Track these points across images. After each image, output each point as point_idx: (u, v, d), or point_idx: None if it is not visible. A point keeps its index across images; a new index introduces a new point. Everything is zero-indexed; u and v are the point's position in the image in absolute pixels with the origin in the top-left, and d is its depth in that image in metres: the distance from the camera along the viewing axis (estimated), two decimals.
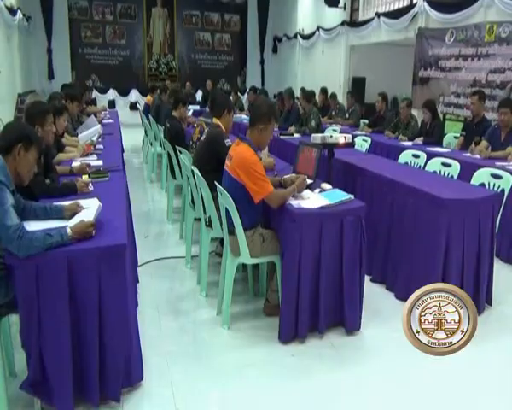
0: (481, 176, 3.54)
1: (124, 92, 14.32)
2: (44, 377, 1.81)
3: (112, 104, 13.35)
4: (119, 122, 7.07)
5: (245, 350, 2.50)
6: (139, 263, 3.34)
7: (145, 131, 7.58)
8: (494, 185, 3.45)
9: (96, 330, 1.86)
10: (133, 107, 13.62)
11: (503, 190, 3.33)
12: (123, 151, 5.86)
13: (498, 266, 3.23)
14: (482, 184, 3.48)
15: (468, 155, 4.46)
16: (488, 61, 7.50)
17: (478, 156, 4.31)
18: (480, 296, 2.86)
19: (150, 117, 6.75)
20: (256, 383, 2.23)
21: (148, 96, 8.88)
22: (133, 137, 9.04)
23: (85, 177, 2.91)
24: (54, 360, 1.81)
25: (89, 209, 2.13)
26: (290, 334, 2.52)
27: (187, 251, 3.55)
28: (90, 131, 4.51)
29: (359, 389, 2.22)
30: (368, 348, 2.56)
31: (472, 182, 3.50)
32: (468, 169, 3.75)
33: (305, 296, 2.48)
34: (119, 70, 14.88)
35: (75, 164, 3.22)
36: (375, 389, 2.22)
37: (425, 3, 8.84)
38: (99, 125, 4.94)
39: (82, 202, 2.25)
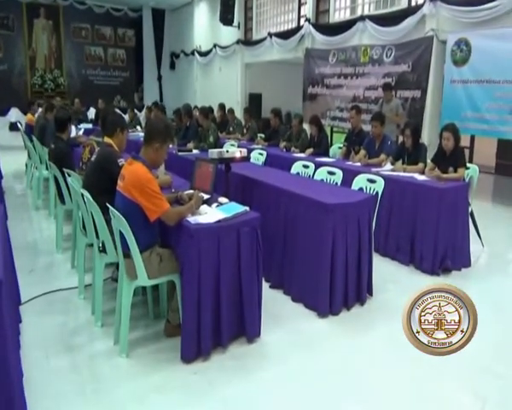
0: (359, 181, 3.98)
1: (1, 111, 13.00)
2: None
3: None
4: None
5: (146, 377, 2.40)
6: (22, 301, 3.07)
7: (28, 154, 6.95)
8: (370, 189, 3.90)
9: None
10: (14, 127, 12.43)
11: (377, 193, 3.79)
12: (2, 177, 5.32)
13: (377, 260, 3.62)
14: (361, 189, 3.91)
15: (350, 162, 5.02)
16: (364, 79, 8.43)
17: (358, 164, 4.86)
18: (362, 288, 3.21)
19: (34, 138, 6.20)
20: (160, 409, 2.18)
21: (29, 115, 8.17)
22: (15, 160, 8.30)
23: None
24: None
25: None
26: (193, 352, 2.50)
27: (79, 281, 3.32)
28: None
29: (263, 395, 2.28)
30: (268, 354, 2.63)
31: (352, 187, 3.92)
32: (349, 176, 4.18)
33: (207, 311, 2.49)
34: None
35: None
36: (278, 392, 2.29)
37: (310, 26, 9.63)
38: None
39: None
